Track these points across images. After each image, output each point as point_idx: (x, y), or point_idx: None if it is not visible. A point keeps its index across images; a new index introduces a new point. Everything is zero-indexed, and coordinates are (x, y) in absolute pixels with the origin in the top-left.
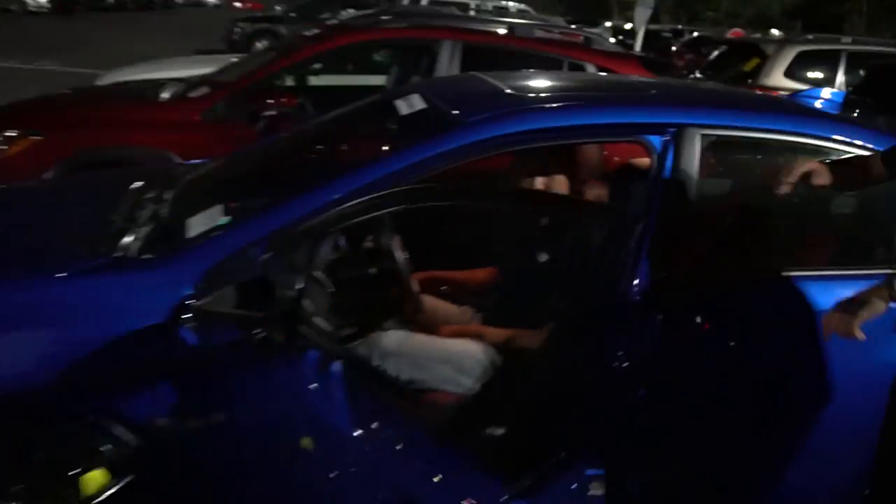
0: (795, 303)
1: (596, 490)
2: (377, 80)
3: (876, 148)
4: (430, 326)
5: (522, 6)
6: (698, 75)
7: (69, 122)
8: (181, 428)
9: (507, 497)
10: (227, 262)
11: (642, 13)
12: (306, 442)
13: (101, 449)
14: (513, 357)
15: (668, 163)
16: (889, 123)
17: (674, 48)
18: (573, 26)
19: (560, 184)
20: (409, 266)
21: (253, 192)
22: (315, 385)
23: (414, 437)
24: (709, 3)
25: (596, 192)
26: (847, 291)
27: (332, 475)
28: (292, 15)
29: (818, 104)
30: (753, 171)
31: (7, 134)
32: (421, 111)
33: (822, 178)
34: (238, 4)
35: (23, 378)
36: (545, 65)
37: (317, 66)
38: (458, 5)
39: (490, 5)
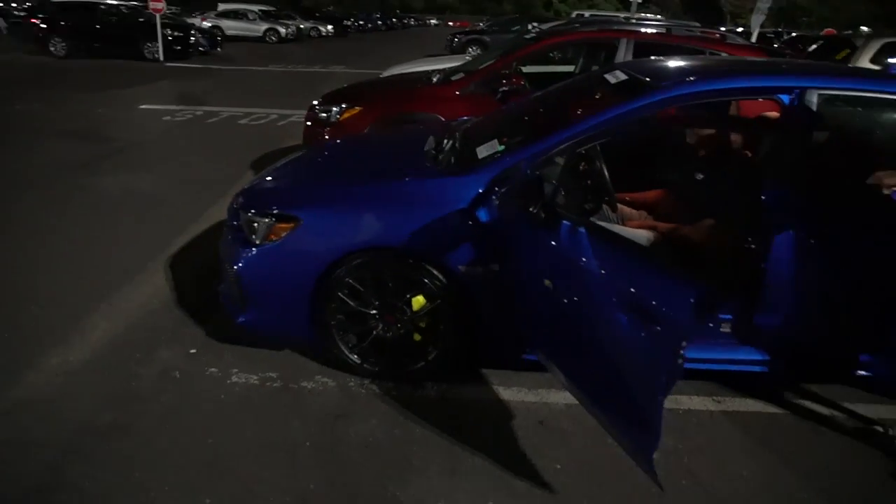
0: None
1: (726, 328)
2: (569, 68)
3: None
4: (622, 220)
5: (658, 16)
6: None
7: (379, 98)
8: (472, 272)
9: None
10: (505, 172)
11: (757, 18)
12: (547, 283)
13: (425, 282)
14: (676, 241)
15: (793, 113)
16: None
17: (776, 45)
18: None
19: (709, 134)
20: (609, 181)
21: (515, 133)
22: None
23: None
24: (804, 10)
25: (736, 137)
26: None
27: (575, 298)
28: (495, 28)
29: None
30: (855, 122)
31: (342, 106)
32: (624, 80)
33: None
34: (451, 23)
35: (387, 236)
36: (695, 53)
37: (534, 58)
38: (609, 16)
39: (633, 17)
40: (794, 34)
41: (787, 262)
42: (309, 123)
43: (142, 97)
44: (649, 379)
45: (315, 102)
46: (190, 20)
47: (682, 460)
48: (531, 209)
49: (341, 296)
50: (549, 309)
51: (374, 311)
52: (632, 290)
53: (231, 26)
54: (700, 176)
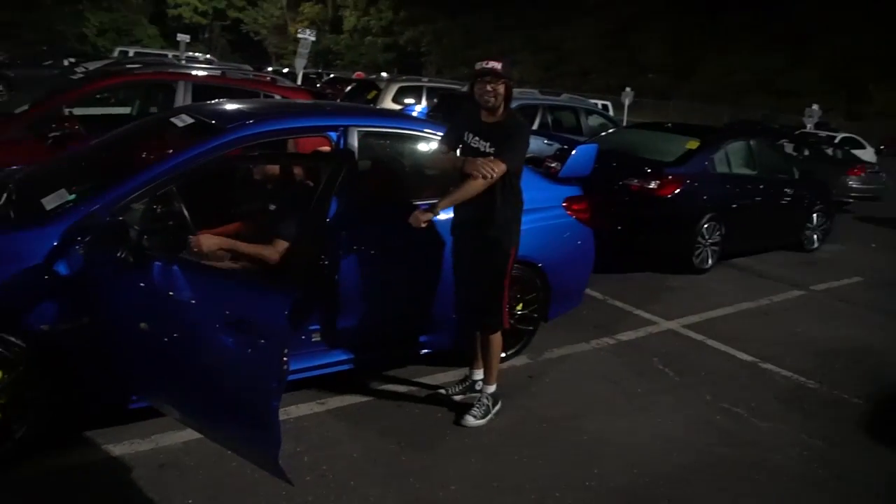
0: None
1: (317, 337)
2: (125, 110)
3: (440, 133)
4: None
5: (208, 56)
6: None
7: None
8: (58, 329)
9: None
10: (81, 221)
11: (300, 62)
12: (143, 325)
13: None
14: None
15: (340, 147)
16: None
17: (318, 84)
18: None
19: (274, 168)
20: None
21: (85, 180)
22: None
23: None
24: (337, 55)
25: (297, 169)
26: None
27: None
28: (18, 62)
29: (415, 114)
30: (386, 151)
31: None
32: (191, 124)
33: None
34: None
35: None
36: (249, 95)
37: (86, 99)
38: (158, 55)
39: (182, 57)
40: (332, 75)
41: (353, 271)
42: None
43: None
44: (262, 388)
45: None
46: None
47: (303, 459)
48: (119, 254)
49: None
50: (151, 349)
51: None
52: (231, 312)
53: None
54: (273, 206)
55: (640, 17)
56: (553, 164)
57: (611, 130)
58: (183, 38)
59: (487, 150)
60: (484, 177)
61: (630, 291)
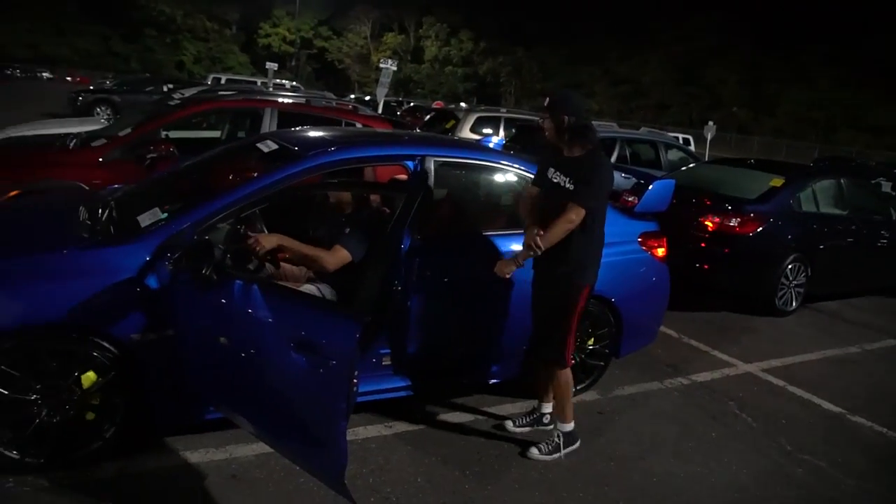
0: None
1: (387, 361)
2: (215, 134)
3: (522, 167)
4: (284, 276)
5: (294, 83)
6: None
7: (7, 164)
8: (146, 340)
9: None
10: (171, 239)
11: (381, 91)
12: (223, 340)
13: (94, 356)
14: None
15: (417, 176)
16: (530, 157)
17: (398, 112)
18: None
19: (351, 195)
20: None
21: (176, 200)
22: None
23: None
24: (417, 84)
25: (374, 196)
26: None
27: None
28: (125, 88)
29: (492, 145)
30: (461, 181)
31: None
32: (275, 150)
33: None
34: (69, 78)
35: (46, 313)
36: (331, 123)
37: (180, 124)
38: (248, 82)
39: (270, 84)
40: (412, 103)
41: (425, 298)
42: None
43: None
44: (331, 409)
45: None
46: None
47: (368, 481)
48: (203, 272)
49: None
50: (228, 364)
51: (34, 397)
52: (305, 333)
53: None
54: (347, 230)
55: (717, 50)
56: (630, 199)
57: (691, 165)
58: (271, 66)
59: (567, 184)
60: (532, 250)
61: (706, 331)
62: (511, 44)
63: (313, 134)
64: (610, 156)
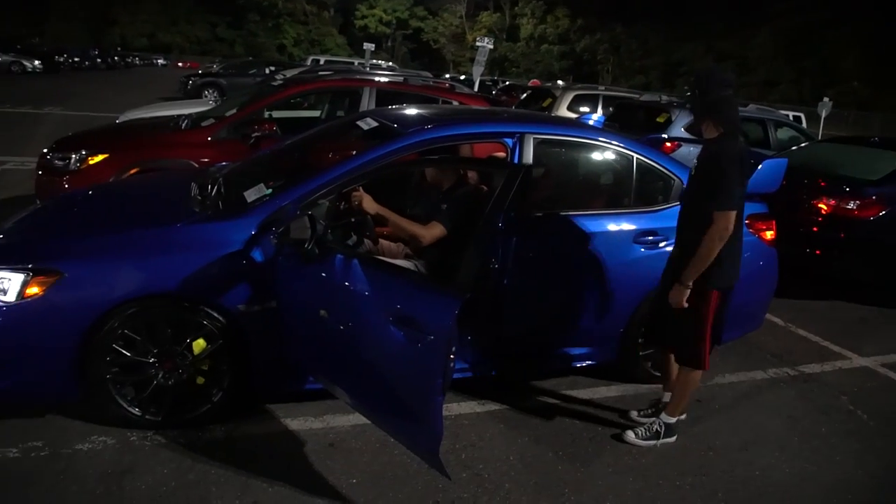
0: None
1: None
2: (315, 113)
3: (624, 145)
4: (382, 252)
5: (390, 63)
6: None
7: (126, 144)
8: (251, 310)
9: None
10: (275, 214)
11: (478, 70)
12: (323, 312)
13: (204, 324)
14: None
15: (516, 154)
16: (626, 134)
17: (493, 91)
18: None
19: (449, 172)
20: (369, 218)
21: (279, 176)
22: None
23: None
24: (512, 63)
25: (471, 174)
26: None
27: (350, 323)
28: (230, 71)
29: (591, 122)
30: (561, 159)
31: (82, 153)
32: (375, 127)
33: None
34: (181, 64)
35: (162, 282)
36: (429, 101)
37: (283, 104)
38: (345, 62)
39: (367, 64)
40: (507, 82)
41: (522, 277)
42: (41, 173)
43: None
44: (428, 384)
45: (46, 150)
46: None
47: (460, 457)
48: (306, 246)
49: (116, 348)
50: (328, 336)
51: (152, 360)
52: (404, 308)
53: None
54: (444, 206)
55: (832, 22)
56: None
57: (804, 144)
58: (368, 46)
59: (696, 188)
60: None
61: (817, 320)
62: (609, 20)
63: (412, 112)
64: None
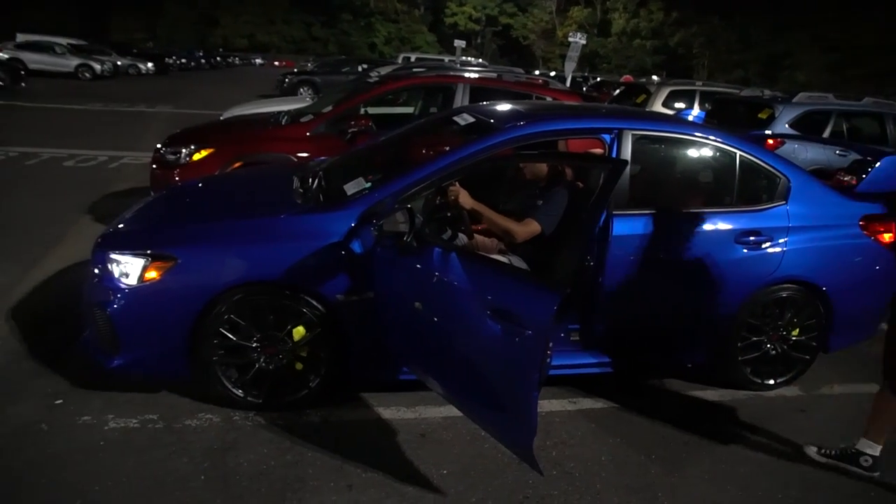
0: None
1: (575, 337)
2: (408, 109)
3: (726, 142)
4: (477, 248)
5: (480, 60)
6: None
7: (230, 139)
8: (349, 300)
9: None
10: (373, 207)
11: (570, 66)
12: (417, 304)
13: (304, 312)
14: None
15: (614, 150)
16: (728, 131)
17: (584, 88)
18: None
19: (544, 168)
20: (465, 212)
21: (378, 170)
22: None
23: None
24: (603, 59)
25: (567, 170)
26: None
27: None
28: (325, 69)
29: (690, 118)
30: (660, 155)
31: (191, 148)
32: (472, 123)
33: None
34: (277, 63)
35: (266, 271)
36: (522, 97)
37: (378, 100)
38: (436, 59)
39: (457, 61)
40: (598, 79)
41: (618, 276)
42: (155, 167)
43: None
44: (525, 378)
45: (160, 145)
46: None
47: (551, 454)
48: (404, 238)
49: (222, 331)
50: (423, 327)
51: (255, 344)
52: (503, 302)
53: (34, 60)
54: (539, 202)
55: None
56: (846, 178)
57: None
58: (459, 43)
59: None
60: None
61: None
62: (705, 12)
63: (509, 107)
64: (822, 131)
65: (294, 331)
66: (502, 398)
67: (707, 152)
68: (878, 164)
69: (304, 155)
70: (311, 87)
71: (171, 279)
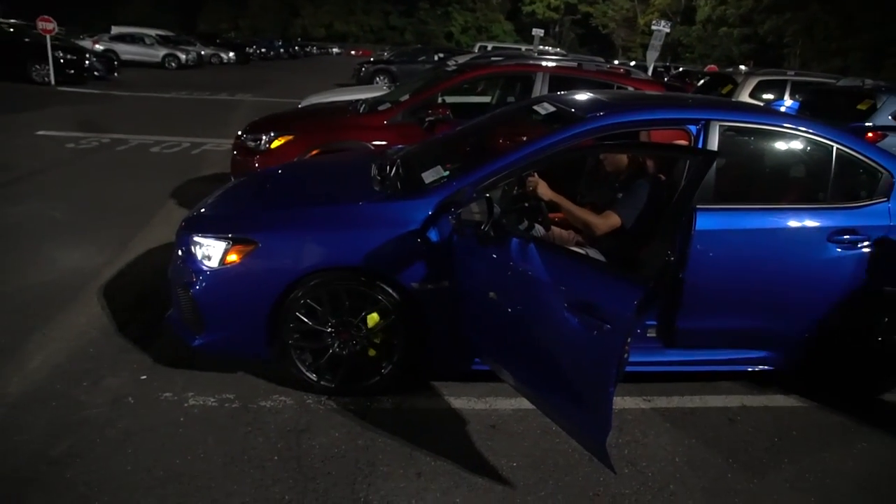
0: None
1: (652, 333)
2: (486, 99)
3: (821, 134)
4: (554, 240)
5: (558, 49)
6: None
7: (309, 127)
8: (424, 289)
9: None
10: (452, 196)
11: (652, 55)
12: (492, 294)
13: (379, 299)
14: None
15: (700, 142)
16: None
17: (666, 78)
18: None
19: (626, 158)
20: (544, 204)
21: (456, 159)
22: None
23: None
24: (687, 47)
25: (649, 162)
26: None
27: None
28: (402, 59)
29: (783, 109)
30: (749, 147)
31: (271, 135)
32: (552, 112)
33: None
34: (353, 52)
35: (343, 257)
36: (603, 86)
37: (456, 89)
38: (513, 48)
39: (535, 50)
40: (680, 69)
41: (698, 272)
42: (236, 153)
43: (37, 123)
44: (602, 373)
45: (240, 132)
46: (80, 42)
47: (623, 452)
48: (483, 228)
49: (299, 315)
50: (498, 318)
51: (330, 329)
52: (582, 295)
53: (126, 51)
54: (619, 195)
55: None
56: None
57: None
58: (537, 32)
59: None
60: None
61: None
62: None
63: (591, 96)
64: None
65: (368, 317)
66: (577, 392)
67: (800, 145)
68: None
69: (382, 143)
70: (388, 76)
71: (252, 263)
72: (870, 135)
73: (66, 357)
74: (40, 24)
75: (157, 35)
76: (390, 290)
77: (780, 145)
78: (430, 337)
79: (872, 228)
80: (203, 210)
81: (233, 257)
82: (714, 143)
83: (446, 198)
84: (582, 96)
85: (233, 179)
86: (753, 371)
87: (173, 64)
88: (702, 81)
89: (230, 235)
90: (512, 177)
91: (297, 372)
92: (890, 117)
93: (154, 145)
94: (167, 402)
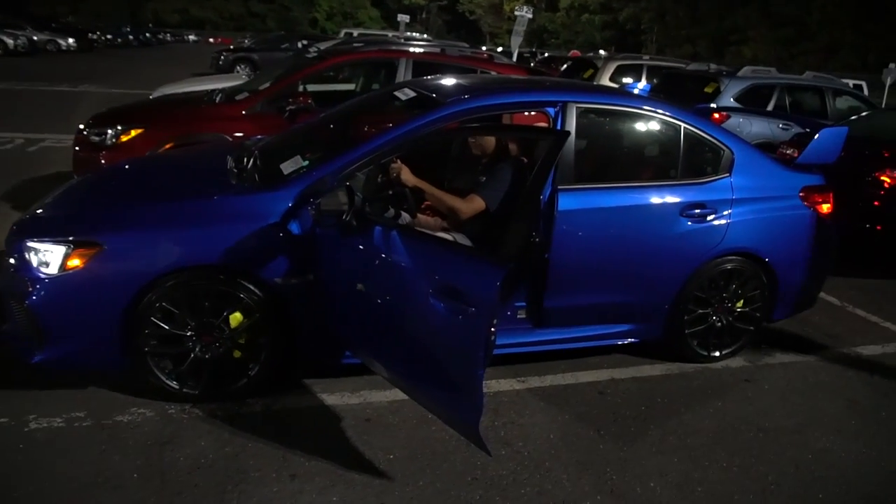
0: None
1: (521, 314)
2: (350, 86)
3: (672, 114)
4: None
5: (425, 35)
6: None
7: (162, 119)
8: (288, 284)
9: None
10: (312, 186)
11: (516, 40)
12: (360, 286)
13: (241, 297)
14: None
15: (558, 123)
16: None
17: (532, 63)
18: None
19: (491, 141)
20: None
21: (317, 148)
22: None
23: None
24: (552, 33)
25: (512, 145)
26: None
27: (388, 297)
28: (263, 46)
29: (636, 91)
30: (606, 128)
31: (118, 128)
32: (413, 98)
33: None
34: (212, 40)
35: (200, 255)
36: (467, 72)
37: (318, 77)
38: (379, 35)
39: (402, 37)
40: (546, 54)
41: (563, 251)
42: (78, 149)
43: None
44: (469, 357)
45: (82, 126)
46: None
47: (499, 434)
48: (344, 217)
49: (154, 320)
50: (365, 309)
51: (190, 333)
52: (446, 280)
53: None
54: (483, 178)
55: None
56: (789, 151)
57: (864, 114)
58: (403, 18)
59: None
60: None
61: (876, 300)
62: None
63: (451, 81)
64: (766, 104)
65: (231, 317)
66: (448, 377)
67: (653, 125)
68: (816, 137)
69: (240, 134)
70: (249, 64)
71: (97, 267)
72: (716, 116)
73: None
74: None
75: None
76: (252, 288)
77: (634, 126)
78: (297, 333)
79: (718, 203)
80: (39, 212)
81: (75, 262)
82: (571, 125)
83: (306, 188)
84: (443, 81)
85: (75, 178)
86: (623, 344)
87: None
88: (565, 66)
89: (70, 238)
90: (373, 164)
91: (157, 381)
92: (732, 99)
93: None
94: (3, 430)
